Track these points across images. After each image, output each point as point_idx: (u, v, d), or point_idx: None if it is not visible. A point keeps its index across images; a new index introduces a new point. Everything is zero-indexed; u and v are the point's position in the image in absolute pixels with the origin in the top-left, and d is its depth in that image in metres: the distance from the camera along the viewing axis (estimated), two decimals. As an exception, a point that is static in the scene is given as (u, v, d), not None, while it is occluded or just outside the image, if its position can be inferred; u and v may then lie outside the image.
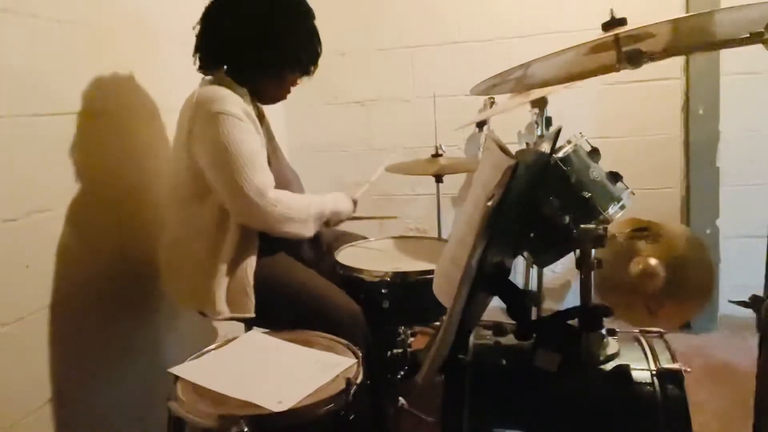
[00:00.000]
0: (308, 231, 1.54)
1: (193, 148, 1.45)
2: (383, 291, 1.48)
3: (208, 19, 1.53)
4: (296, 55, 1.56)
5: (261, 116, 1.68)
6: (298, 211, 1.49)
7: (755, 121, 2.46)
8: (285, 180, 1.60)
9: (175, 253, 1.54)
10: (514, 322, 1.08)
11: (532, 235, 1.15)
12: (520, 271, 2.67)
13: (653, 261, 1.85)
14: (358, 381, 1.07)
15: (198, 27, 1.54)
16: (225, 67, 1.54)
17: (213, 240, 1.47)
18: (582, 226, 1.03)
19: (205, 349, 1.23)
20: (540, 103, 2.20)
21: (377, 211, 2.82)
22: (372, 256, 1.69)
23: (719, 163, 2.47)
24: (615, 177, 1.17)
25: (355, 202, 1.74)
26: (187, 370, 1.14)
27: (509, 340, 1.10)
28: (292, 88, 1.64)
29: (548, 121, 2.23)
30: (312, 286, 1.48)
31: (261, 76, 1.56)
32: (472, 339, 1.11)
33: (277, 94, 1.64)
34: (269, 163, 1.53)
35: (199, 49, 1.55)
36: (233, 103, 1.44)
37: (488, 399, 1.03)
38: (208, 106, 1.42)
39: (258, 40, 1.50)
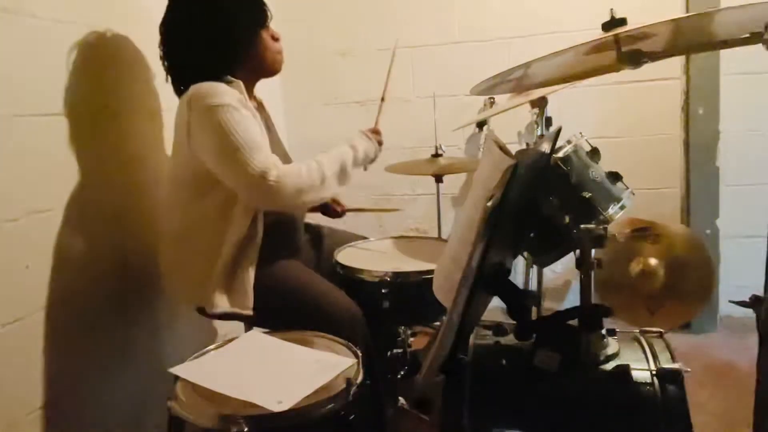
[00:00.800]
0: (331, 192, 1.49)
1: (193, 144, 1.44)
2: (383, 291, 1.48)
3: (167, 52, 1.54)
4: (245, 16, 1.52)
5: (260, 108, 1.68)
6: (310, 177, 1.43)
7: (755, 121, 2.47)
8: None
9: (176, 250, 1.54)
10: (514, 322, 1.08)
11: (532, 235, 1.15)
12: (520, 271, 2.67)
13: (653, 261, 1.85)
14: (358, 381, 1.07)
15: (164, 60, 1.54)
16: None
17: (215, 237, 1.47)
18: (582, 226, 1.03)
19: (205, 349, 1.23)
20: (540, 103, 2.21)
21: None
22: (372, 256, 1.69)
23: (719, 163, 2.47)
24: (615, 177, 1.17)
25: (376, 131, 1.67)
26: (187, 370, 1.14)
27: (509, 340, 1.10)
28: (280, 44, 1.59)
29: (548, 121, 2.24)
30: (312, 286, 1.48)
31: (242, 57, 1.54)
32: (472, 339, 1.11)
33: (269, 59, 1.59)
34: None
35: (176, 80, 1.55)
36: (228, 94, 1.43)
37: (488, 399, 1.03)
38: (202, 101, 1.41)
39: (209, 37, 1.49)
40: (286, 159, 1.70)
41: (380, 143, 1.67)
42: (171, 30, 1.53)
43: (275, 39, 1.59)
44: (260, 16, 1.55)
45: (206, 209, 1.48)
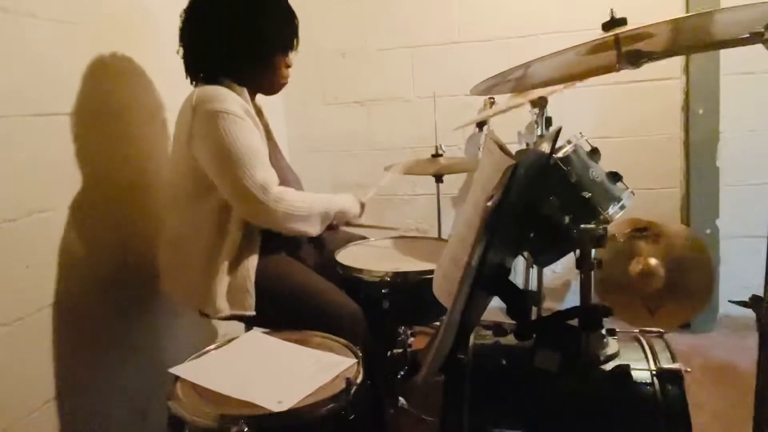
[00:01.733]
0: (313, 229, 1.53)
1: (194, 148, 1.45)
2: (383, 291, 1.47)
3: (186, 38, 1.54)
4: (276, 38, 1.55)
5: (259, 114, 1.68)
6: (302, 208, 1.48)
7: (755, 121, 2.46)
8: (284, 179, 1.60)
9: (176, 252, 1.54)
10: (514, 322, 1.08)
11: (532, 235, 1.15)
12: (520, 271, 2.67)
13: (653, 261, 1.85)
14: (358, 381, 1.07)
15: (180, 49, 1.56)
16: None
17: (214, 239, 1.47)
18: (582, 226, 1.03)
19: (205, 349, 1.23)
20: (540, 103, 2.20)
21: (377, 213, 2.83)
22: (372, 256, 1.69)
23: (719, 163, 2.47)
24: (615, 177, 1.17)
25: (362, 206, 1.73)
26: (187, 370, 1.14)
27: (509, 340, 1.10)
28: (289, 71, 1.62)
29: (548, 121, 2.24)
30: (312, 286, 1.48)
31: (254, 70, 1.56)
32: (472, 339, 1.11)
33: (275, 82, 1.62)
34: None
35: (188, 68, 1.56)
36: (232, 101, 1.44)
37: (488, 399, 1.03)
38: (207, 105, 1.42)
39: (236, 40, 1.50)
40: (286, 164, 1.71)
41: (359, 214, 1.73)
42: (199, 16, 1.53)
43: (287, 66, 1.61)
44: (288, 43, 1.57)
45: (205, 211, 1.48)
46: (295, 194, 1.49)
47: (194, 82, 1.56)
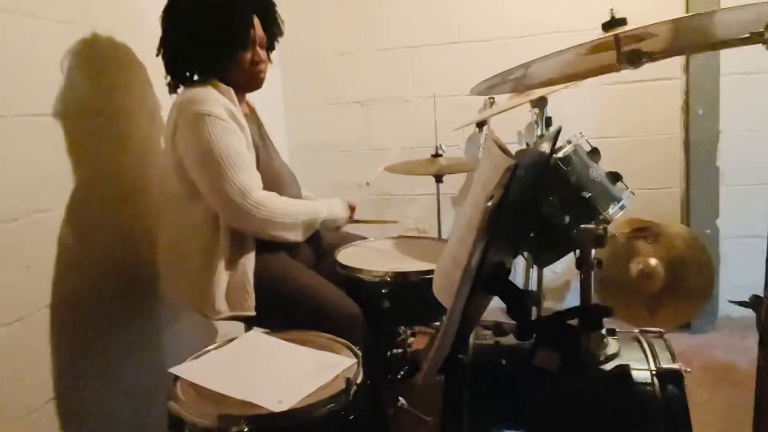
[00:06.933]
0: (296, 236, 1.52)
1: (177, 149, 1.45)
2: (383, 291, 1.47)
3: (162, 44, 1.55)
4: (232, 34, 1.50)
5: (252, 115, 1.68)
6: (285, 215, 1.47)
7: (755, 121, 2.46)
8: (279, 179, 1.60)
9: (173, 254, 1.54)
10: (514, 322, 1.08)
11: (532, 235, 1.15)
12: (520, 271, 2.67)
13: (653, 261, 1.85)
14: (358, 381, 1.07)
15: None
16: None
17: (208, 239, 1.47)
18: (582, 226, 1.03)
19: (205, 349, 1.23)
20: (540, 103, 2.21)
21: (377, 213, 2.83)
22: (372, 256, 1.69)
23: (719, 163, 2.48)
24: (615, 177, 1.17)
25: (353, 208, 1.72)
26: (187, 370, 1.14)
27: (509, 340, 1.10)
28: (261, 66, 1.58)
29: (548, 121, 2.24)
30: (312, 286, 1.47)
31: (222, 67, 1.53)
32: (472, 339, 1.11)
33: (250, 78, 1.58)
34: (259, 162, 1.53)
35: (167, 72, 1.57)
36: (216, 103, 1.44)
37: (488, 399, 1.03)
38: (190, 107, 1.42)
39: (194, 38, 1.49)
40: (282, 164, 1.70)
41: (350, 218, 1.71)
42: (162, 24, 1.54)
43: (256, 62, 1.56)
44: (239, 42, 1.52)
45: (197, 212, 1.48)
46: (278, 201, 1.48)
47: (176, 86, 1.56)
